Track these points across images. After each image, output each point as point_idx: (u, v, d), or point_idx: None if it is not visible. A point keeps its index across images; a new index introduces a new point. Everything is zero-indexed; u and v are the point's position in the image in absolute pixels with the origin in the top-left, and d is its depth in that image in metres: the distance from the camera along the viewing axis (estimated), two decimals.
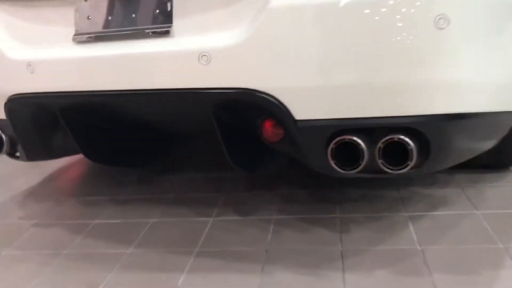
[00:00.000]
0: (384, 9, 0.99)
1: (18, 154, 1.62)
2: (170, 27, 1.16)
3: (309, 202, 1.65)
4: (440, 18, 0.98)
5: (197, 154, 2.29)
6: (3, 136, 1.49)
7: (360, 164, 1.08)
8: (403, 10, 0.99)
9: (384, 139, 1.07)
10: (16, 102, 1.37)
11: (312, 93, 1.06)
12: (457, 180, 1.71)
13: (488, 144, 1.33)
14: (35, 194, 1.98)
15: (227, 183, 1.86)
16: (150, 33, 1.18)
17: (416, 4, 0.98)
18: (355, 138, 1.07)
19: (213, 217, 1.61)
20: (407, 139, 1.05)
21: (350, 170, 1.09)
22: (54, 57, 1.25)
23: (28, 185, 2.07)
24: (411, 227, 1.42)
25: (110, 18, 1.23)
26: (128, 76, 1.17)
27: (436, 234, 1.37)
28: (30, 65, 1.29)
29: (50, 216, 1.74)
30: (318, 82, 1.05)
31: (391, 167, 1.08)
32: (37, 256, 1.47)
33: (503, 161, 1.69)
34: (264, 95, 1.07)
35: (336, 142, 1.08)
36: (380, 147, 1.07)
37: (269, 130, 1.21)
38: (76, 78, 1.23)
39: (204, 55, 1.08)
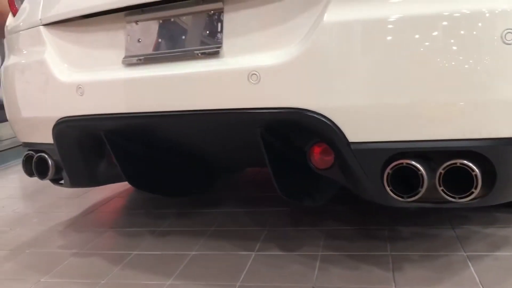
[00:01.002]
0: (445, 24, 0.94)
1: (62, 181, 1.61)
2: (220, 47, 1.15)
3: (357, 238, 1.55)
4: (508, 33, 0.92)
5: (240, 188, 2.24)
6: (49, 161, 1.50)
7: (419, 192, 1.00)
8: (466, 25, 0.93)
9: (445, 164, 0.99)
10: (64, 125, 1.38)
11: (368, 113, 1.00)
12: None
13: None
14: (75, 224, 1.96)
15: (270, 217, 1.79)
16: (199, 54, 1.17)
17: (481, 18, 0.93)
18: (413, 163, 1.00)
19: (256, 251, 1.53)
20: (470, 165, 0.97)
21: (408, 198, 1.01)
22: (104, 79, 1.26)
23: (69, 216, 2.07)
24: (471, 267, 1.30)
25: (160, 40, 1.24)
26: (177, 97, 1.15)
27: (501, 276, 1.24)
28: (80, 87, 1.30)
29: (89, 246, 1.71)
30: (374, 102, 0.99)
31: (453, 196, 0.99)
32: (75, 285, 1.43)
33: None
34: (315, 115, 1.02)
35: (393, 167, 1.01)
36: (441, 173, 0.99)
37: (318, 156, 1.15)
38: (125, 100, 1.22)
39: (253, 74, 1.05)
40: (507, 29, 0.92)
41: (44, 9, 1.42)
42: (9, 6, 1.66)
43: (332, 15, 1.00)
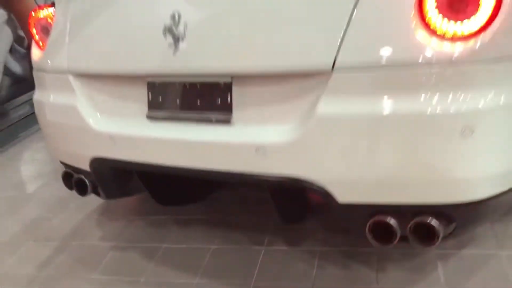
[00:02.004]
0: (417, 120, 1.15)
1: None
2: (230, 117, 1.35)
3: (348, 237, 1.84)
4: (465, 129, 1.13)
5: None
6: (87, 182, 1.76)
7: (393, 241, 1.27)
8: (432, 121, 1.14)
9: (414, 221, 1.25)
10: (98, 161, 1.62)
11: (353, 183, 1.25)
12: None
13: None
14: (108, 212, 2.26)
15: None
16: (214, 120, 1.38)
17: (444, 116, 1.13)
18: (388, 220, 1.26)
19: (265, 245, 1.85)
20: (433, 223, 1.23)
21: (385, 244, 1.29)
22: (132, 135, 1.48)
23: (100, 201, 2.35)
24: (439, 268, 1.61)
25: (178, 101, 1.44)
26: (193, 157, 1.39)
27: (463, 277, 1.55)
28: (111, 137, 1.52)
29: (123, 238, 2.03)
30: (359, 176, 1.23)
31: (420, 243, 1.27)
32: (120, 283, 1.76)
33: None
34: (312, 183, 1.27)
35: (373, 222, 1.28)
36: (410, 227, 1.26)
37: (316, 198, 1.40)
38: (150, 153, 1.46)
39: (261, 148, 1.28)
40: (464, 126, 1.13)
41: (70, 60, 1.59)
42: (33, 38, 1.82)
43: (323, 107, 1.20)
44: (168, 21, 1.36)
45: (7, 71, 3.15)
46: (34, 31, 1.80)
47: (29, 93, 3.43)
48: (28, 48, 3.35)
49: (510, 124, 1.19)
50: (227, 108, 1.37)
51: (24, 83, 3.31)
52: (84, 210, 2.31)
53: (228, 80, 1.34)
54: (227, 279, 1.70)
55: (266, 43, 1.27)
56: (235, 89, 1.35)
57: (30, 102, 3.50)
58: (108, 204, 2.34)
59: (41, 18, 1.78)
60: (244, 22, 1.31)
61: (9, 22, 3.18)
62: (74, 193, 1.86)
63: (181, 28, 1.35)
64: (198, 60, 1.35)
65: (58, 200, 2.46)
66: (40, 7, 1.79)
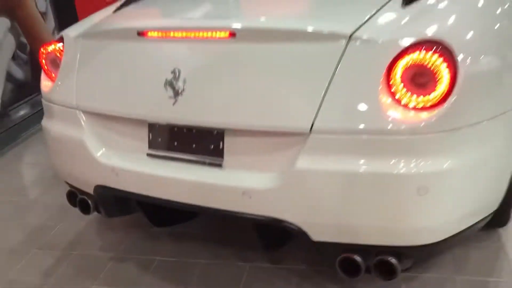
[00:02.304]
0: (380, 179, 1.35)
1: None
2: (221, 161, 1.54)
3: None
4: (420, 188, 1.33)
5: None
6: (90, 203, 1.94)
7: (359, 275, 1.48)
8: (393, 180, 1.34)
9: (377, 259, 1.46)
10: (102, 188, 1.81)
11: (326, 226, 1.45)
12: None
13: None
14: (106, 222, 2.44)
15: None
16: (206, 163, 1.57)
17: (404, 177, 1.33)
18: (355, 257, 1.47)
19: (250, 262, 2.05)
20: (392, 261, 1.44)
21: (352, 277, 1.50)
22: (133, 170, 1.66)
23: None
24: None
25: (176, 143, 1.62)
26: (186, 194, 1.58)
27: None
28: (114, 170, 1.71)
29: (121, 250, 2.22)
30: (330, 220, 1.43)
31: (382, 277, 1.48)
32: None
33: (494, 222, 2.03)
34: (291, 224, 1.46)
35: (342, 258, 1.48)
36: (374, 264, 1.47)
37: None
38: (148, 187, 1.65)
39: (247, 192, 1.47)
40: (420, 186, 1.33)
41: (78, 98, 1.76)
42: (43, 69, 1.98)
43: (301, 161, 1.39)
44: (169, 76, 1.54)
45: (9, 77, 3.29)
46: (44, 63, 1.96)
47: (30, 96, 3.57)
48: (30, 54, 3.49)
49: (459, 184, 1.39)
50: (219, 153, 1.55)
51: (25, 87, 3.46)
52: (85, 218, 2.49)
53: (221, 130, 1.53)
54: None
55: (255, 104, 1.45)
56: (227, 138, 1.54)
57: (30, 103, 3.63)
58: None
59: (50, 52, 1.94)
60: (237, 83, 1.49)
61: (12, 30, 3.30)
62: None
63: (180, 83, 1.53)
64: (194, 112, 1.53)
65: (59, 206, 2.63)
66: (49, 43, 1.95)
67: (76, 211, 2.50)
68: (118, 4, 2.21)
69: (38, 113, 3.67)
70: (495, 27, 1.62)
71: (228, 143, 1.54)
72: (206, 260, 2.10)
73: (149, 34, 1.62)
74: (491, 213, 1.69)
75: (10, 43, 3.28)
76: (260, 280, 1.95)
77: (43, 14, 3.61)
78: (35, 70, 3.53)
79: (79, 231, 2.42)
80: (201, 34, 1.53)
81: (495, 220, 1.93)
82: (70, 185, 2.03)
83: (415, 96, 1.34)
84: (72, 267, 2.16)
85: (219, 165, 1.55)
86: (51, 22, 3.71)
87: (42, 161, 3.20)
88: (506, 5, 1.86)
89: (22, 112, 3.58)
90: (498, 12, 1.72)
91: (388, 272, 1.48)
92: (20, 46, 3.38)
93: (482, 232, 2.05)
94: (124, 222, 2.42)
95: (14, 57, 3.33)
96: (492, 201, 1.64)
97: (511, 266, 1.91)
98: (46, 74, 1.95)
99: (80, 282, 2.05)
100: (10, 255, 2.28)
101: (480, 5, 1.67)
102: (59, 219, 2.53)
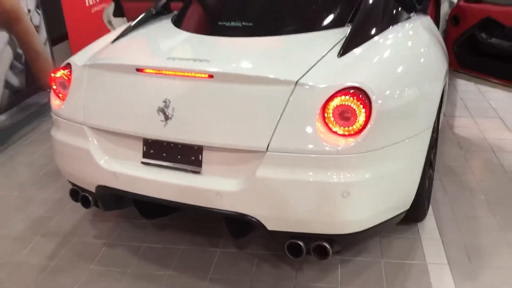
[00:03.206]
0: (317, 185, 1.86)
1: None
2: (200, 169, 2.03)
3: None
4: (344, 192, 1.86)
5: None
6: (91, 199, 2.39)
7: (301, 255, 2.00)
8: (326, 186, 1.86)
9: (315, 244, 1.99)
10: (102, 188, 2.26)
11: (277, 219, 1.95)
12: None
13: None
14: (100, 214, 2.88)
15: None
16: (188, 170, 2.05)
17: (333, 184, 1.86)
18: (299, 242, 1.98)
19: (220, 248, 2.55)
20: (326, 245, 1.97)
21: (296, 257, 2.02)
22: (130, 174, 2.12)
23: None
24: (339, 269, 2.37)
25: (164, 155, 2.09)
26: (170, 193, 2.06)
27: (353, 278, 2.31)
28: (114, 174, 2.17)
29: (113, 237, 2.67)
30: (281, 214, 1.94)
31: (318, 257, 2.01)
32: (112, 272, 2.42)
33: (413, 218, 2.58)
34: (252, 218, 1.97)
35: (289, 243, 2.00)
36: (313, 247, 1.99)
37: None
38: (144, 188, 2.11)
39: (218, 193, 1.97)
40: (344, 190, 1.85)
41: (86, 116, 2.21)
42: (53, 90, 2.41)
43: (260, 171, 1.89)
44: (161, 104, 2.02)
45: (7, 85, 3.66)
46: (53, 84, 2.39)
47: (23, 102, 3.94)
48: (25, 64, 3.87)
49: (373, 190, 1.93)
50: (198, 163, 2.04)
51: (20, 93, 3.83)
52: (79, 211, 2.92)
53: (200, 146, 2.02)
54: (191, 272, 2.39)
55: (226, 127, 1.95)
56: (205, 152, 2.02)
57: (20, 107, 3.98)
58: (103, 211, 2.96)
59: (58, 77, 2.37)
60: (213, 111, 1.97)
61: (10, 42, 3.68)
62: (68, 195, 2.47)
63: (170, 110, 2.00)
64: (180, 132, 2.01)
65: (56, 201, 3.06)
66: (58, 69, 2.38)
67: (71, 205, 2.96)
68: (115, 33, 2.66)
69: (27, 116, 4.03)
70: (408, 73, 2.16)
71: (206, 155, 2.03)
72: (184, 246, 2.58)
73: (146, 70, 2.09)
74: (404, 211, 2.24)
75: (8, 54, 3.66)
76: (228, 263, 2.45)
77: (37, 27, 3.99)
78: (29, 78, 3.91)
79: (75, 222, 2.85)
80: (187, 74, 2.01)
81: (412, 217, 2.50)
82: (73, 184, 2.47)
83: (342, 126, 1.86)
84: (71, 252, 2.60)
85: (198, 172, 2.04)
86: (43, 34, 4.09)
87: (35, 161, 3.59)
88: (422, 50, 2.43)
89: (13, 115, 3.94)
90: (412, 59, 2.27)
91: (322, 253, 2.01)
92: (16, 56, 3.76)
93: (403, 226, 2.61)
94: (114, 215, 2.87)
95: (11, 66, 3.71)
96: (403, 202, 2.18)
97: (423, 252, 2.46)
98: (55, 93, 2.39)
99: (80, 264, 2.50)
100: (16, 241, 2.70)
101: (397, 55, 2.21)
102: (56, 212, 2.95)
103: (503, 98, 4.18)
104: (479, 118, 3.95)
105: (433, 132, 2.45)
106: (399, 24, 2.46)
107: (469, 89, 4.53)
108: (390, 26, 2.37)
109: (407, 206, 2.22)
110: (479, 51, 3.38)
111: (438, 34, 2.83)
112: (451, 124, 3.88)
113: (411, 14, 2.69)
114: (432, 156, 2.73)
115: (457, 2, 3.41)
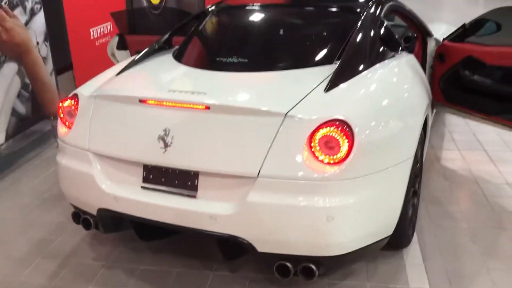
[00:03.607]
0: (304, 210, 2.01)
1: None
2: (196, 194, 2.18)
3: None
4: (328, 216, 2.00)
5: None
6: (91, 221, 2.53)
7: (289, 276, 2.13)
8: (312, 211, 2.01)
9: (302, 265, 2.11)
10: (104, 210, 2.40)
11: (267, 241, 2.09)
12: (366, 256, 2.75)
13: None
14: (98, 237, 3.01)
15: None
16: (185, 194, 2.20)
17: (318, 209, 2.00)
18: (287, 264, 2.12)
19: (213, 271, 2.67)
20: (312, 267, 2.10)
21: (284, 277, 2.15)
22: (130, 198, 2.27)
23: None
24: None
25: (163, 180, 2.25)
26: (167, 216, 2.20)
27: None
28: (115, 197, 2.31)
29: (111, 259, 2.79)
30: (271, 237, 2.08)
31: (305, 278, 2.13)
32: None
33: (397, 244, 2.71)
34: (243, 240, 2.10)
35: (278, 264, 2.13)
36: (300, 268, 2.12)
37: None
38: (143, 211, 2.25)
39: (212, 216, 2.11)
40: (329, 215, 2.00)
41: (91, 143, 2.37)
42: (60, 118, 2.58)
43: (251, 196, 2.04)
44: (162, 132, 2.18)
45: (14, 112, 3.84)
46: (61, 113, 2.56)
47: (28, 129, 4.11)
48: (31, 93, 4.06)
49: (355, 215, 2.07)
50: (194, 188, 2.19)
51: (26, 120, 4.01)
52: (79, 234, 3.04)
53: (196, 172, 2.18)
54: None
55: (221, 155, 2.11)
56: (200, 178, 2.18)
57: (25, 134, 4.15)
58: (103, 234, 3.08)
59: (66, 106, 2.55)
60: (209, 139, 2.14)
61: (19, 72, 3.87)
62: (70, 218, 2.60)
63: (169, 138, 2.17)
64: (178, 160, 2.17)
65: (57, 224, 3.18)
66: (66, 99, 2.56)
67: (72, 227, 3.08)
68: (119, 66, 2.85)
69: (32, 142, 4.21)
70: (390, 107, 2.34)
71: (201, 181, 2.18)
72: (179, 269, 2.70)
73: (148, 101, 2.26)
74: (387, 237, 2.37)
75: (16, 84, 3.85)
76: (221, 285, 2.56)
77: (44, 59, 4.20)
78: (34, 106, 4.09)
79: (75, 244, 2.97)
80: (186, 105, 2.19)
81: (396, 243, 2.64)
82: (75, 207, 2.61)
83: (327, 155, 2.02)
84: (71, 272, 2.71)
85: (194, 196, 2.19)
86: (50, 65, 4.29)
87: (38, 185, 3.73)
88: (404, 86, 2.62)
89: (19, 141, 4.11)
90: (394, 94, 2.46)
91: (309, 274, 2.14)
92: (23, 85, 3.95)
93: (389, 251, 2.74)
94: (112, 238, 2.99)
95: (18, 95, 3.89)
96: (385, 228, 2.32)
97: (407, 277, 2.59)
98: (62, 121, 2.56)
99: (79, 285, 2.61)
100: (19, 262, 2.81)
101: (380, 90, 2.40)
102: (57, 234, 3.07)
103: (488, 132, 4.37)
104: (465, 150, 4.12)
105: (416, 162, 2.61)
106: (384, 62, 2.66)
107: (457, 122, 4.72)
108: (375, 64, 2.57)
109: (389, 231, 2.36)
110: (463, 87, 3.59)
111: (420, 71, 3.03)
112: (439, 156, 4.04)
113: (396, 53, 2.90)
114: (416, 185, 2.89)
115: (442, 41, 3.63)
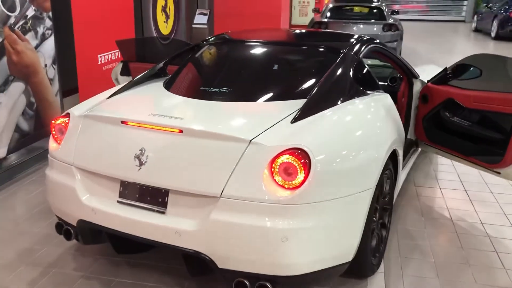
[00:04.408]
0: (260, 230, 2.16)
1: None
2: (165, 210, 2.35)
3: None
4: (283, 237, 2.15)
5: None
6: (72, 232, 2.71)
7: None
8: (268, 231, 2.16)
9: (258, 283, 2.25)
10: (83, 222, 2.58)
11: (227, 258, 2.24)
12: (331, 282, 2.86)
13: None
14: (81, 249, 3.17)
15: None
16: (155, 210, 2.37)
17: (274, 229, 2.16)
18: (245, 281, 2.25)
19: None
20: (268, 285, 2.23)
21: None
22: (107, 211, 2.45)
23: (74, 241, 3.26)
24: None
25: (137, 195, 2.43)
26: (139, 230, 2.37)
27: None
28: (93, 210, 2.50)
29: (90, 271, 2.94)
30: (230, 255, 2.23)
31: None
32: None
33: (359, 273, 2.83)
34: (205, 256, 2.26)
35: (236, 281, 2.27)
36: (257, 286, 2.26)
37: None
38: (116, 223, 2.42)
39: (178, 232, 2.28)
40: (283, 236, 2.15)
41: (75, 158, 2.58)
42: (52, 135, 2.80)
43: (213, 215, 2.21)
44: (138, 152, 2.38)
45: (17, 128, 4.10)
46: (53, 130, 2.79)
47: (30, 145, 4.35)
48: (36, 111, 4.32)
49: (309, 238, 2.22)
50: (164, 204, 2.37)
51: (28, 137, 4.26)
52: (64, 246, 3.22)
53: (166, 189, 2.36)
54: None
55: (188, 175, 2.29)
56: (170, 195, 2.36)
57: (27, 149, 4.40)
58: (82, 245, 3.25)
59: (58, 124, 2.77)
60: (179, 160, 2.33)
61: (25, 91, 4.15)
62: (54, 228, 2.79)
63: (144, 157, 2.37)
64: (151, 177, 2.36)
65: (45, 235, 3.36)
66: (59, 117, 2.79)
67: (58, 239, 3.26)
68: (111, 90, 3.08)
69: (32, 158, 4.44)
70: (350, 140, 2.52)
71: (171, 198, 2.36)
72: (152, 284, 2.84)
73: (128, 123, 2.47)
74: (346, 263, 2.50)
75: (22, 102, 4.12)
76: None
77: (51, 80, 4.48)
78: (37, 124, 4.34)
79: (58, 255, 3.13)
80: (162, 128, 2.39)
81: (357, 271, 2.76)
82: (59, 218, 2.79)
83: (285, 180, 2.19)
84: (51, 281, 2.87)
85: (163, 213, 2.36)
86: (56, 86, 4.57)
87: (32, 198, 3.93)
88: (368, 122, 2.80)
89: (20, 156, 4.35)
90: (355, 129, 2.64)
91: None
92: (29, 104, 4.22)
93: (354, 279, 2.85)
94: (94, 251, 3.15)
95: (23, 113, 4.15)
96: (342, 254, 2.45)
97: None
98: (54, 138, 2.78)
99: None
100: (3, 268, 2.98)
101: (343, 125, 2.59)
102: (43, 245, 3.24)
103: (472, 173, 4.49)
104: (446, 189, 4.24)
105: (382, 195, 2.76)
106: (353, 99, 2.84)
107: (443, 161, 4.85)
108: (344, 100, 2.76)
109: (348, 258, 2.49)
110: (443, 128, 3.76)
111: (393, 110, 3.20)
112: (419, 193, 4.17)
113: (371, 91, 3.09)
114: (385, 218, 3.02)
115: (426, 83, 3.83)
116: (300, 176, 2.19)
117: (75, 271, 2.95)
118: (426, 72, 4.44)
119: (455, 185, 4.34)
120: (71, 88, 5.03)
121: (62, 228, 2.74)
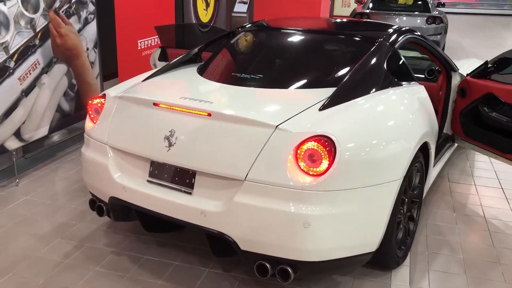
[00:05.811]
0: (283, 214, 2.19)
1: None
2: (192, 191, 2.42)
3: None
4: (305, 223, 2.17)
5: None
6: (104, 208, 2.82)
7: (268, 275, 2.30)
8: (290, 216, 2.18)
9: (279, 267, 2.28)
10: (114, 199, 2.68)
11: (250, 240, 2.28)
12: (355, 272, 2.86)
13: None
14: (113, 226, 3.30)
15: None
16: (182, 191, 2.44)
17: (296, 215, 2.18)
18: (266, 264, 2.29)
19: (209, 268, 2.87)
20: (288, 269, 2.26)
21: (263, 277, 2.32)
22: (136, 188, 2.53)
23: (108, 218, 3.39)
24: None
25: (166, 176, 2.50)
26: (166, 209, 2.44)
27: None
28: (124, 187, 2.59)
29: (121, 247, 3.06)
30: (253, 237, 2.27)
31: (281, 279, 2.30)
32: (113, 275, 2.79)
33: (383, 264, 2.81)
34: (228, 237, 2.31)
35: (258, 264, 2.31)
36: (278, 269, 2.29)
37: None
38: (145, 202, 2.51)
39: (203, 212, 2.33)
40: (305, 221, 2.16)
41: (109, 137, 2.68)
42: (88, 114, 2.91)
43: (238, 197, 2.25)
44: (167, 133, 2.45)
45: (59, 108, 4.27)
46: (89, 109, 2.90)
47: (70, 125, 4.53)
48: (76, 93, 4.49)
49: (331, 225, 2.22)
50: (191, 185, 2.43)
51: (69, 117, 4.43)
52: (97, 222, 3.35)
53: (194, 171, 2.42)
54: (178, 285, 2.73)
55: (216, 157, 2.34)
56: (197, 177, 2.42)
57: (68, 129, 4.59)
58: (113, 221, 3.38)
59: (95, 104, 2.88)
60: (207, 143, 2.38)
61: (67, 73, 4.31)
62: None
63: (173, 138, 2.43)
64: (179, 158, 2.42)
65: (80, 211, 3.51)
66: (96, 97, 2.89)
67: (92, 216, 3.41)
68: (147, 74, 3.17)
69: (72, 138, 4.63)
70: (378, 130, 2.49)
71: (198, 179, 2.42)
72: (178, 262, 2.92)
73: (160, 105, 2.54)
74: (369, 253, 2.49)
75: (64, 83, 4.28)
76: (212, 282, 2.76)
77: (92, 63, 4.64)
78: (78, 105, 4.51)
79: (91, 230, 3.27)
80: (192, 111, 2.45)
81: (381, 262, 2.74)
82: (93, 195, 2.91)
83: (309, 167, 2.20)
84: (83, 254, 3.00)
85: (190, 193, 2.43)
86: (96, 69, 4.72)
87: (70, 176, 4.11)
88: (398, 113, 2.76)
89: (62, 136, 4.55)
90: (384, 120, 2.60)
91: (285, 277, 2.30)
92: (70, 85, 4.38)
93: (379, 271, 2.84)
94: (125, 229, 3.27)
95: (64, 94, 4.32)
96: (365, 244, 2.44)
97: None
98: (90, 117, 2.89)
99: (87, 265, 2.89)
100: (40, 240, 3.14)
101: (371, 115, 2.56)
102: (78, 220, 3.39)
103: (510, 170, 4.34)
104: (481, 186, 4.13)
105: (409, 186, 2.73)
106: (387, 89, 2.81)
107: (480, 158, 4.71)
108: (376, 90, 2.73)
109: (371, 248, 2.48)
110: (480, 123, 3.65)
111: (426, 102, 3.14)
112: (453, 189, 4.07)
113: (406, 82, 3.04)
114: (414, 211, 2.99)
115: (465, 76, 3.73)
116: (325, 163, 2.19)
117: (106, 247, 3.08)
118: (466, 66, 4.31)
119: (492, 182, 4.21)
120: (111, 72, 5.19)
121: (95, 204, 2.85)
